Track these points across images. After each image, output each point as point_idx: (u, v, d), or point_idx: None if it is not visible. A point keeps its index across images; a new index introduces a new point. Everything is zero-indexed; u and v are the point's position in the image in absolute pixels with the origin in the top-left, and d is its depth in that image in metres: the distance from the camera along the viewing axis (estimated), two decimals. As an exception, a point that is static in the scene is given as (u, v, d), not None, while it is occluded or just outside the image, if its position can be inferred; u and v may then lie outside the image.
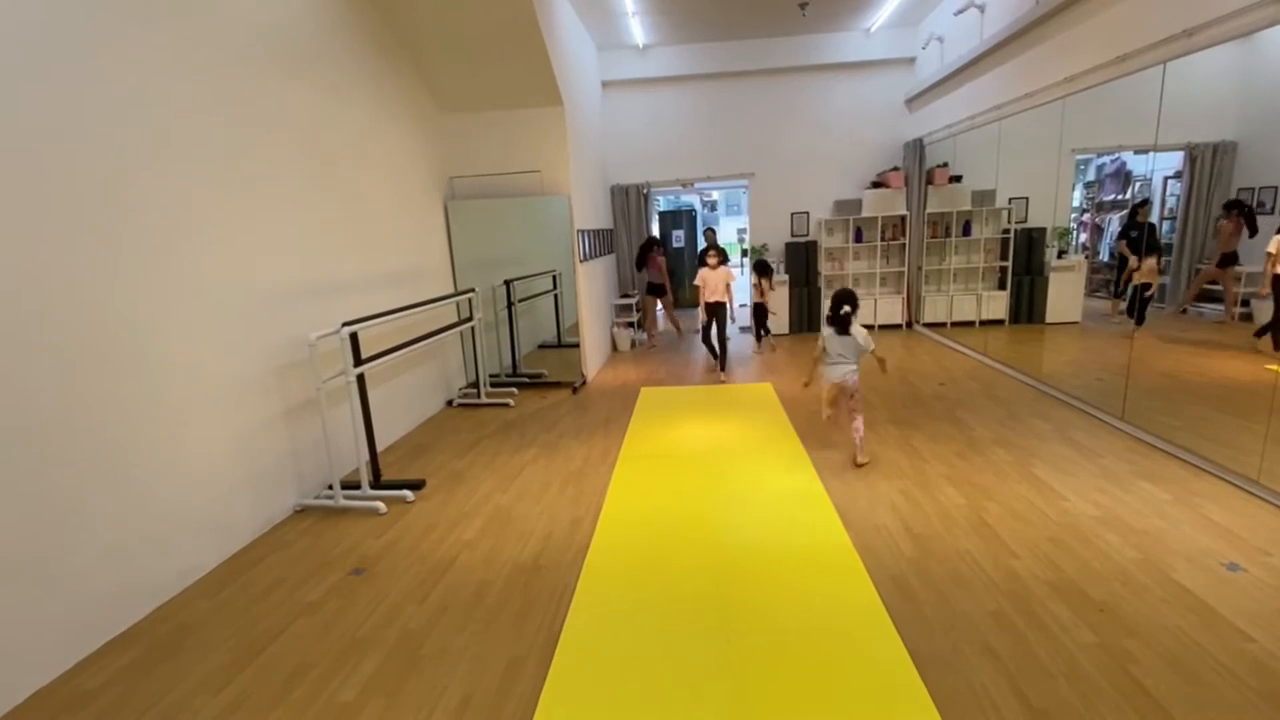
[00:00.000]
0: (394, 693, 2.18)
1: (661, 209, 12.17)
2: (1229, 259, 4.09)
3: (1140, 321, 4.66)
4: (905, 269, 8.46)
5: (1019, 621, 2.36)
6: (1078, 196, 5.70)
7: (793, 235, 8.80)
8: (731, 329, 6.78)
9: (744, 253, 9.89)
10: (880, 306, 8.53)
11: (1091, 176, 5.59)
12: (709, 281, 6.39)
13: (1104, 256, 5.60)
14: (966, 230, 7.48)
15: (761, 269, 7.68)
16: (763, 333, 7.86)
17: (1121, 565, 2.69)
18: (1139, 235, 4.71)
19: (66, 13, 2.53)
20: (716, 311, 6.44)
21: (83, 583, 2.49)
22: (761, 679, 2.14)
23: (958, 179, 7.51)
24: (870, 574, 2.72)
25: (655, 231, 10.25)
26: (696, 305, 7.94)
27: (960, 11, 6.50)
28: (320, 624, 2.60)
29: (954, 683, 2.07)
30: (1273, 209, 3.66)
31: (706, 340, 6.63)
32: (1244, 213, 3.93)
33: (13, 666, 2.24)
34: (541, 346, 6.73)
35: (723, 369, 6.44)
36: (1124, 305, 4.98)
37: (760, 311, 7.74)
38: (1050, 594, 2.52)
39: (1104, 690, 2.01)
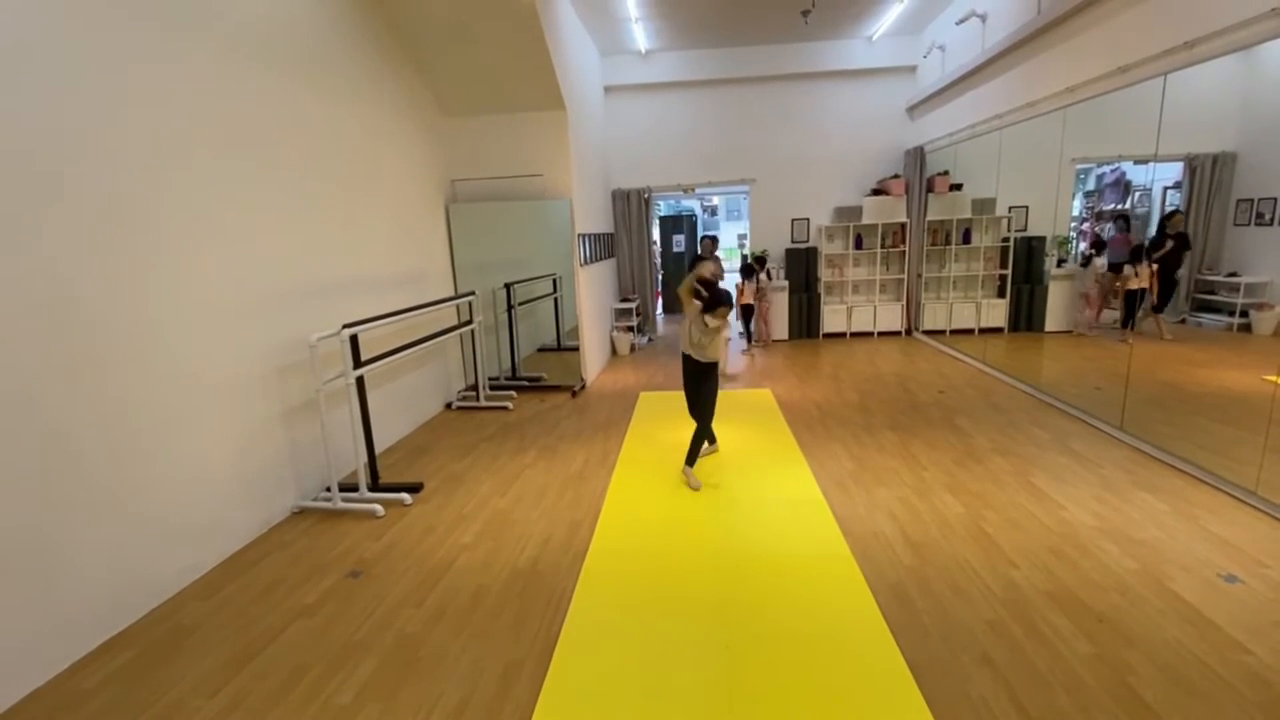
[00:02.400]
0: (391, 696, 2.17)
1: (662, 214, 12.19)
2: (1118, 268, 4.90)
3: (1131, 326, 4.74)
4: (905, 276, 8.47)
5: (1017, 631, 2.36)
6: (1077, 205, 5.72)
7: (793, 241, 8.81)
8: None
9: (745, 259, 9.88)
10: (880, 313, 8.54)
11: (1091, 186, 5.61)
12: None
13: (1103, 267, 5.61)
14: (966, 238, 7.49)
15: (746, 271, 8.03)
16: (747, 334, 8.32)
17: (1120, 576, 2.69)
18: (1174, 248, 4.36)
19: (69, 17, 2.53)
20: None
21: (79, 583, 2.48)
22: (758, 686, 2.14)
23: (958, 187, 7.53)
24: (868, 582, 2.72)
25: (655, 235, 10.28)
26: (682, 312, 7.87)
27: (962, 21, 6.52)
28: (317, 626, 2.59)
29: (952, 692, 2.07)
30: (1272, 220, 3.67)
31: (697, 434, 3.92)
32: (1128, 227, 4.81)
33: (8, 667, 2.23)
34: (541, 350, 6.73)
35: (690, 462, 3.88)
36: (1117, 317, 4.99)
37: (747, 312, 8.11)
38: (1048, 604, 2.52)
39: (1102, 701, 2.01)
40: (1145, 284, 4.58)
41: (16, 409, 2.29)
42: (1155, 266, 4.51)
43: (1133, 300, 4.73)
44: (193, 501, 3.03)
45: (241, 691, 2.23)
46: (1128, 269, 4.80)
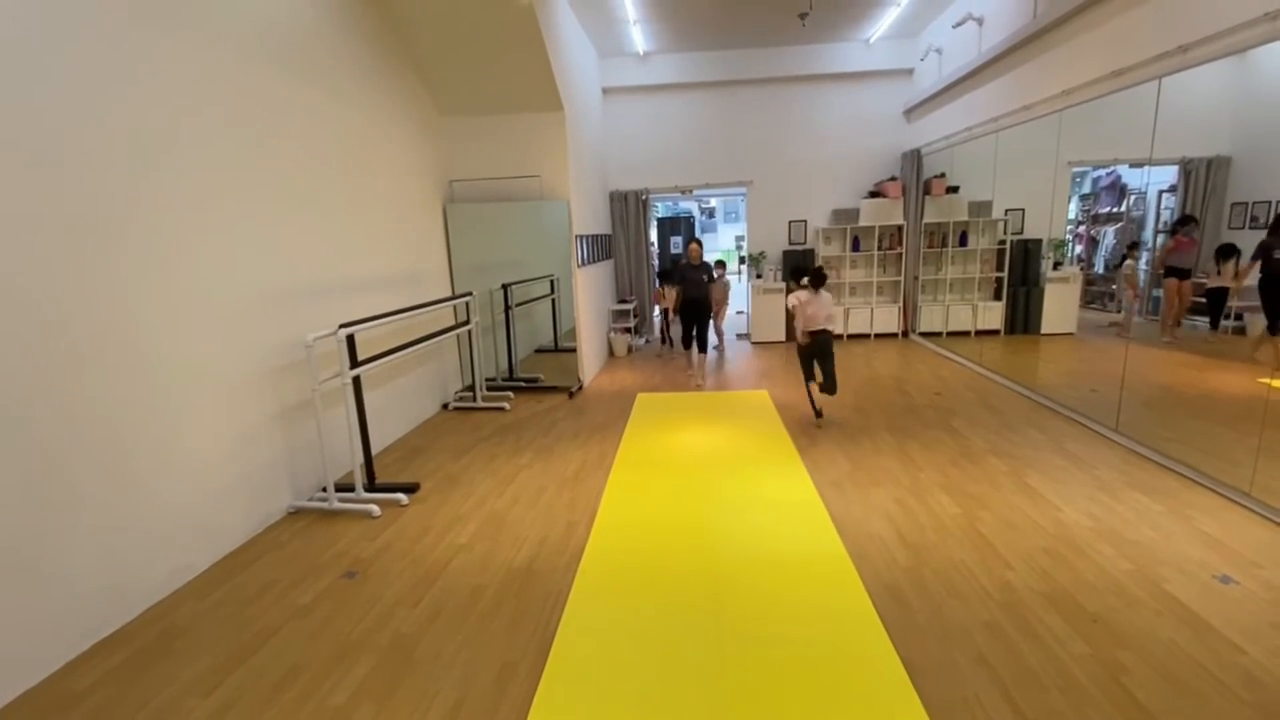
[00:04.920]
0: (386, 697, 2.17)
1: (660, 215, 12.20)
2: (1183, 273, 4.44)
3: (1215, 326, 4.32)
4: (902, 278, 8.49)
5: (1012, 632, 2.37)
6: (1073, 208, 5.74)
7: (790, 243, 8.83)
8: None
9: (741, 260, 9.93)
10: (876, 315, 8.55)
11: (1087, 189, 5.63)
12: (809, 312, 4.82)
13: (1099, 269, 5.64)
14: (963, 241, 7.52)
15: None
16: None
17: (1115, 576, 2.69)
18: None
19: (68, 14, 2.53)
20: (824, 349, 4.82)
21: (73, 583, 2.47)
22: (755, 687, 2.13)
23: (955, 189, 7.55)
24: (864, 583, 2.72)
25: (653, 237, 10.27)
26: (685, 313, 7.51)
27: (959, 24, 6.55)
28: (312, 627, 2.58)
29: (947, 692, 2.08)
30: (1266, 224, 3.69)
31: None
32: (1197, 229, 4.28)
33: (1, 667, 2.22)
34: (538, 351, 6.73)
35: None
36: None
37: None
38: (1044, 604, 2.52)
39: (1097, 701, 2.01)
40: (1229, 283, 4.12)
41: (9, 409, 2.27)
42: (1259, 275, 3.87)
43: (1218, 300, 4.26)
44: (187, 501, 3.02)
45: (236, 692, 2.22)
46: (1220, 266, 4.20)
